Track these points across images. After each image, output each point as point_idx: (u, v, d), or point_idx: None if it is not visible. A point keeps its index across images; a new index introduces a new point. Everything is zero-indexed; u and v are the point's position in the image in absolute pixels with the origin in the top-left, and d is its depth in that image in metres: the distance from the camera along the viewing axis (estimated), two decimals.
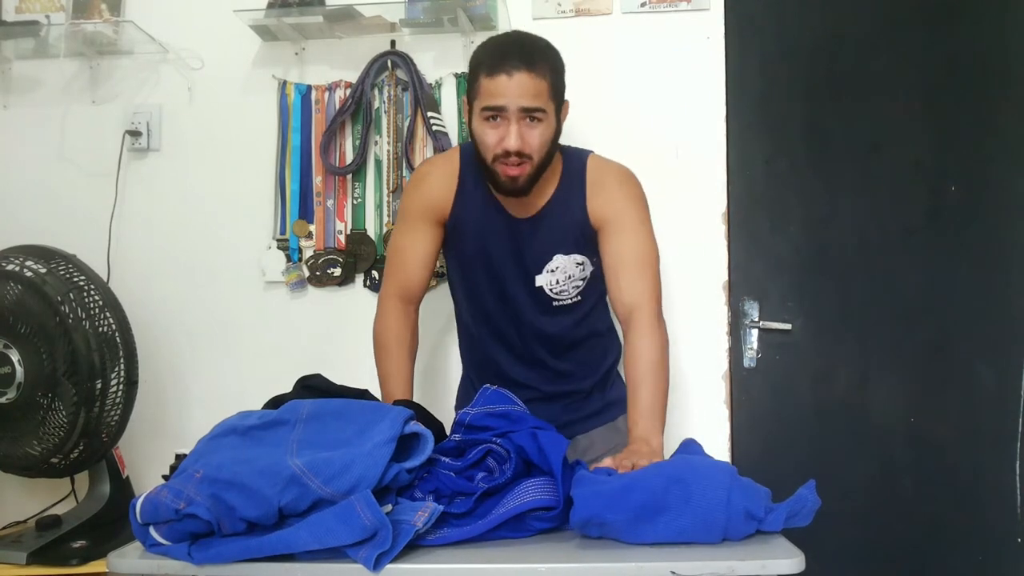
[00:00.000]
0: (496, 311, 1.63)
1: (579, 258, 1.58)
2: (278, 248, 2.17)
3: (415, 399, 1.54)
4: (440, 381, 2.10)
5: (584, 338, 1.67)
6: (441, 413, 1.34)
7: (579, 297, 1.62)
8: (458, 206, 1.59)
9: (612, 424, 1.70)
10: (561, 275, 1.59)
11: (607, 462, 1.23)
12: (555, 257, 1.58)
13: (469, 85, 1.51)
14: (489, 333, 1.66)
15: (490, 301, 1.63)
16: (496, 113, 1.44)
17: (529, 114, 1.44)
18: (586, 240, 1.57)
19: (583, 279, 1.60)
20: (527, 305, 1.61)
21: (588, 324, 1.67)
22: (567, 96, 1.54)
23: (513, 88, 1.42)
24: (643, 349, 1.45)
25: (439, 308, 2.03)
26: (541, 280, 1.59)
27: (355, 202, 2.15)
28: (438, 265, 1.72)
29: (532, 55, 1.45)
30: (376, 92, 2.14)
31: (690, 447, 1.27)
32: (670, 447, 1.34)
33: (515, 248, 1.58)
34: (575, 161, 1.59)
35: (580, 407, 1.69)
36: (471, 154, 1.55)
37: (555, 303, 1.61)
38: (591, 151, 1.63)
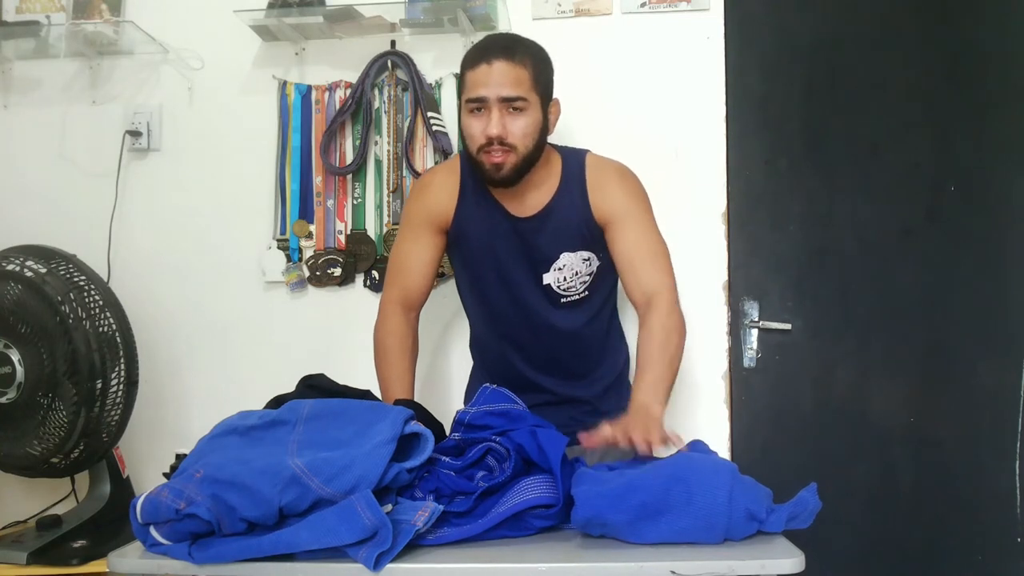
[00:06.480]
0: (507, 312, 1.64)
1: (585, 254, 1.60)
2: (278, 248, 2.16)
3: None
4: (441, 384, 2.10)
5: (596, 337, 1.68)
6: (443, 416, 1.34)
7: (586, 292, 1.63)
8: (461, 213, 1.61)
9: None
10: (568, 272, 1.60)
11: (605, 429, 1.23)
12: (562, 255, 1.59)
13: (459, 86, 1.54)
14: (502, 336, 1.67)
15: (500, 302, 1.64)
16: (479, 104, 1.48)
17: (510, 103, 1.47)
18: (592, 236, 1.58)
19: (589, 274, 1.61)
20: (537, 302, 1.62)
21: (599, 323, 1.68)
22: (560, 96, 1.57)
23: (494, 76, 1.46)
24: (658, 328, 1.46)
25: (440, 311, 2.03)
26: (548, 278, 1.60)
27: (355, 202, 2.15)
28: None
29: (512, 46, 1.50)
30: (376, 92, 2.14)
31: (696, 447, 1.27)
32: None
33: (521, 247, 1.60)
34: (573, 160, 1.62)
35: (593, 412, 1.67)
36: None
37: (563, 299, 1.62)
38: (588, 150, 1.65)
